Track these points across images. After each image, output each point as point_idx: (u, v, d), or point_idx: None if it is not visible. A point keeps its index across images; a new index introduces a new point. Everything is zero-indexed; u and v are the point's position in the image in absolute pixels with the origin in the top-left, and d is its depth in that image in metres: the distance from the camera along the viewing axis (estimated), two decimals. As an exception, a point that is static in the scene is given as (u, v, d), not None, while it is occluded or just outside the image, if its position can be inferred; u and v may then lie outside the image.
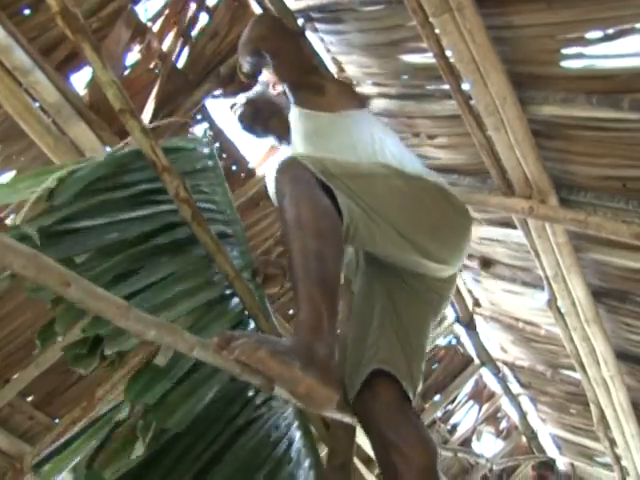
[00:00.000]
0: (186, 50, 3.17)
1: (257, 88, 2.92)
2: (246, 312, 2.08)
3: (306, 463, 2.06)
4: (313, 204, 1.81)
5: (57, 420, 4.09)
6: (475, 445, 6.96)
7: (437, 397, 6.25)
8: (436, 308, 2.37)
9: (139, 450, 1.49)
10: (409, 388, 2.06)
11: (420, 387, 2.17)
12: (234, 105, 2.93)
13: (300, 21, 3.25)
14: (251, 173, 3.71)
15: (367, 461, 5.25)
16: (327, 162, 2.00)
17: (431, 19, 2.41)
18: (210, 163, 2.55)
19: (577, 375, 4.48)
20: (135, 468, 1.57)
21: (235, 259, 2.15)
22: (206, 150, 2.58)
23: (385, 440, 1.97)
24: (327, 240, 1.78)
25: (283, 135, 2.79)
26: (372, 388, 2.07)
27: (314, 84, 2.58)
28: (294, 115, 2.59)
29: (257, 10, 3.20)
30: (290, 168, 1.90)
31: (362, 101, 2.71)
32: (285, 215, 1.82)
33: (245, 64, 2.76)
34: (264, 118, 2.85)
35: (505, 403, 6.76)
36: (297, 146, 2.60)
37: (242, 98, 2.91)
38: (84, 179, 1.82)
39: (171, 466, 1.67)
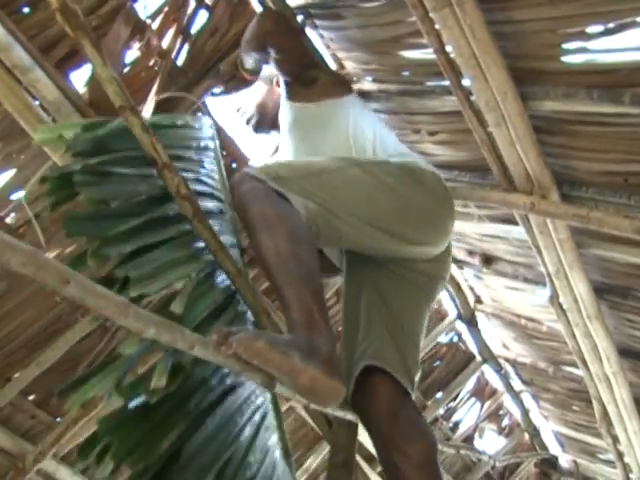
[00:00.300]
0: (186, 47, 3.16)
1: (261, 87, 2.93)
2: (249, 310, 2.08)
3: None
4: (275, 209, 1.85)
5: (58, 419, 4.09)
6: (477, 442, 6.96)
7: (439, 394, 6.24)
8: (429, 291, 2.33)
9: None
10: (405, 381, 2.01)
11: (418, 377, 2.14)
12: (240, 109, 2.94)
13: (300, 17, 3.24)
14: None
15: (369, 459, 5.26)
16: (279, 167, 2.06)
17: (431, 14, 2.40)
18: (210, 144, 2.59)
19: (579, 372, 4.48)
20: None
21: (222, 234, 2.14)
22: (207, 132, 2.63)
23: (384, 438, 1.94)
24: (298, 239, 1.81)
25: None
26: (367, 385, 2.03)
27: (309, 77, 2.60)
28: (283, 108, 2.62)
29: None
30: (244, 182, 1.95)
31: (348, 88, 2.74)
32: (250, 224, 1.87)
33: (249, 60, 2.78)
34: (271, 119, 2.86)
35: (507, 400, 6.76)
36: (282, 139, 2.64)
37: (248, 101, 2.92)
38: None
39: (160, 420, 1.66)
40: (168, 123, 2.50)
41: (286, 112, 2.62)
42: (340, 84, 2.74)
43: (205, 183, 2.34)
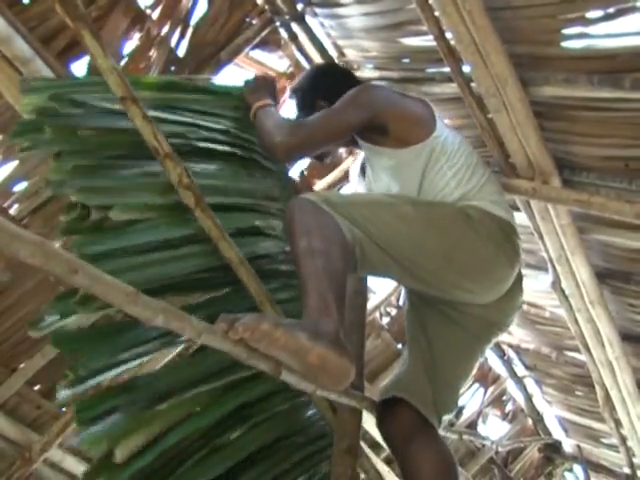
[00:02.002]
0: (186, 37, 3.16)
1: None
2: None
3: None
4: (316, 219, 1.88)
5: (64, 408, 4.11)
6: (481, 428, 6.99)
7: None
8: (482, 335, 2.30)
9: None
10: (431, 416, 2.08)
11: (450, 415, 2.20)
12: None
13: (299, 6, 3.24)
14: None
15: (374, 445, 5.27)
16: (331, 194, 2.12)
17: (430, 1, 2.41)
18: None
19: (582, 357, 4.48)
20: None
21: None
22: None
23: (405, 466, 2.03)
24: (332, 242, 1.84)
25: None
26: (393, 412, 2.11)
27: (377, 125, 2.36)
28: (365, 150, 2.50)
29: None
30: (296, 202, 1.97)
31: (426, 130, 2.33)
32: (292, 230, 1.90)
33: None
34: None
35: (510, 386, 6.78)
36: (372, 180, 2.53)
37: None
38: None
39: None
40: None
41: (369, 154, 2.50)
42: (415, 128, 2.36)
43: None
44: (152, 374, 1.88)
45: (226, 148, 2.34)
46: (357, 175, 2.75)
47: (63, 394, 1.68)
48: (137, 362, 1.81)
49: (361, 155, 2.74)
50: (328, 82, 2.63)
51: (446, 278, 2.10)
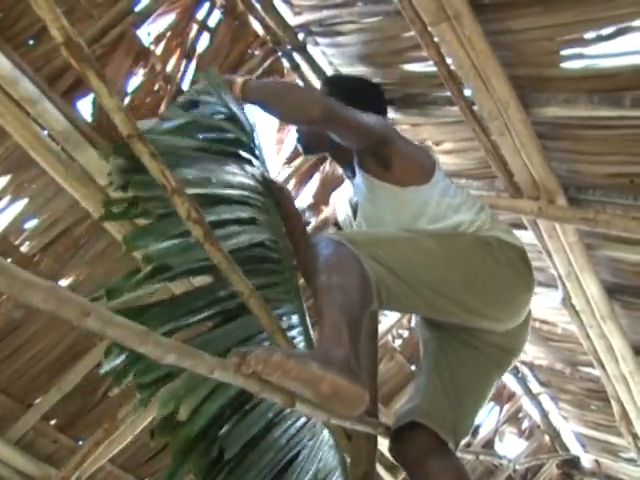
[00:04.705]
0: (190, 71, 3.20)
1: None
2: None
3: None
4: (339, 256, 1.91)
5: (81, 442, 4.12)
6: (498, 446, 6.94)
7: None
8: (501, 363, 2.33)
9: None
10: (449, 440, 2.10)
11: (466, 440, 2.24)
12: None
13: (301, 36, 3.28)
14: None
15: (390, 467, 5.26)
16: (355, 233, 2.14)
17: (429, 28, 2.44)
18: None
19: (596, 372, 4.47)
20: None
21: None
22: None
23: None
24: (350, 276, 1.86)
25: (346, 164, 2.65)
26: (410, 436, 2.12)
27: (381, 155, 2.39)
28: (361, 179, 2.49)
29: (257, 28, 3.23)
30: (321, 240, 2.01)
31: (427, 175, 2.39)
32: (314, 266, 1.92)
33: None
34: (324, 146, 2.71)
35: (526, 403, 6.74)
36: (363, 209, 2.57)
37: None
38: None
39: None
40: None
41: (357, 177, 2.52)
42: (417, 171, 2.40)
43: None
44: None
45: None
46: (344, 203, 2.79)
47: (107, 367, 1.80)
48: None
49: (346, 184, 2.78)
50: (364, 100, 2.65)
51: (470, 307, 2.12)
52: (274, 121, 3.59)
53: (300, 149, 2.75)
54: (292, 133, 3.38)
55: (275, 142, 3.77)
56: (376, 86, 2.83)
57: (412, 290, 2.04)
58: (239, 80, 2.43)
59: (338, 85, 2.70)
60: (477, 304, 2.13)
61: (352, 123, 2.31)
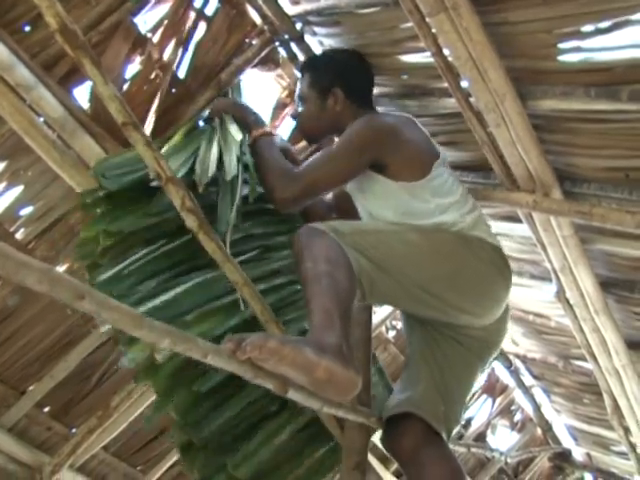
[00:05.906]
0: (187, 59, 3.18)
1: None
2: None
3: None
4: (324, 245, 1.94)
5: (74, 430, 4.13)
6: (490, 438, 6.97)
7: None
8: (483, 356, 2.40)
9: None
10: (441, 429, 2.15)
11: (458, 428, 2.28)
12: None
13: (298, 25, 3.26)
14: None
15: (383, 459, 5.27)
16: (339, 224, 2.13)
17: (427, 19, 2.43)
18: None
19: (589, 365, 4.49)
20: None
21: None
22: None
23: (414, 478, 2.10)
24: (337, 264, 1.88)
25: None
26: (401, 427, 2.16)
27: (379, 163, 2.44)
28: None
29: (255, 17, 3.21)
30: (304, 230, 2.03)
31: (422, 172, 2.41)
32: (299, 254, 1.95)
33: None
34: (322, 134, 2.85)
35: (518, 395, 6.77)
36: (354, 198, 2.61)
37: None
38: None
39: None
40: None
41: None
42: (412, 169, 2.41)
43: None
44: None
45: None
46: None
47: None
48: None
49: None
50: (352, 74, 2.68)
51: (451, 302, 2.17)
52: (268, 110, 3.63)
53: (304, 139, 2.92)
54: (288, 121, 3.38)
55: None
56: (358, 55, 2.92)
57: (394, 281, 2.06)
58: (253, 132, 2.51)
59: (320, 69, 2.78)
60: (458, 298, 2.19)
61: (333, 178, 2.37)
